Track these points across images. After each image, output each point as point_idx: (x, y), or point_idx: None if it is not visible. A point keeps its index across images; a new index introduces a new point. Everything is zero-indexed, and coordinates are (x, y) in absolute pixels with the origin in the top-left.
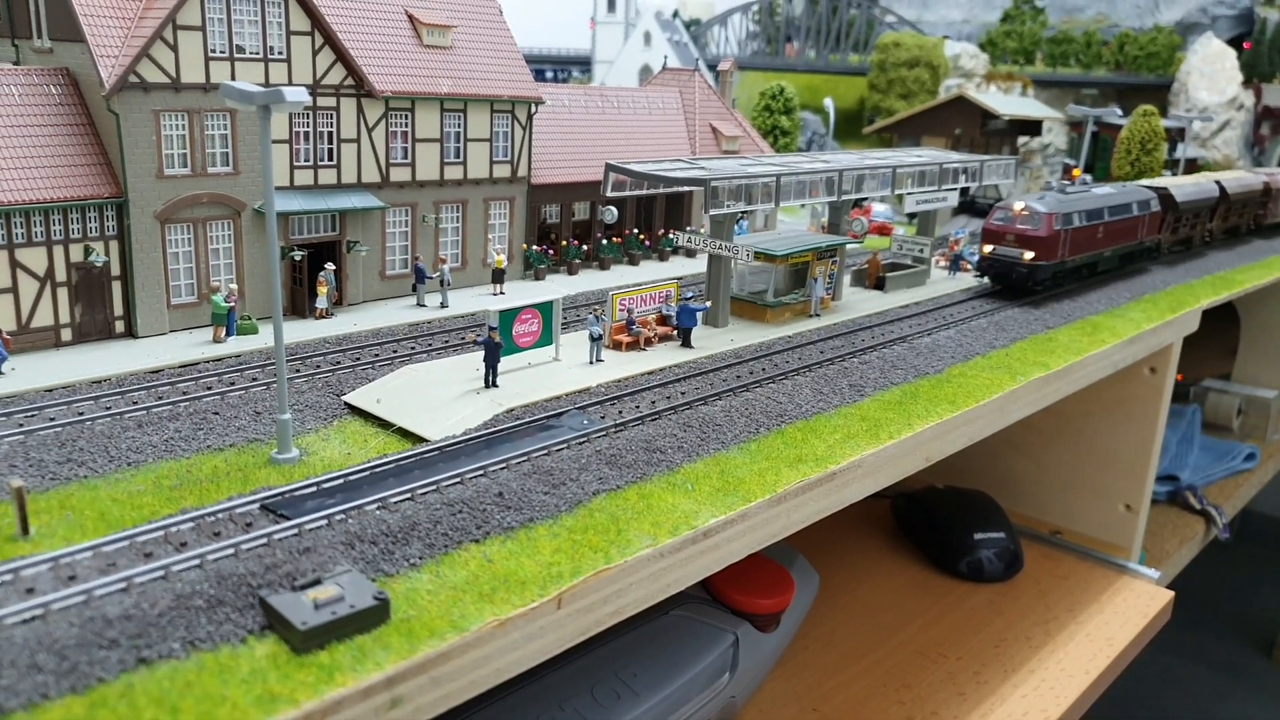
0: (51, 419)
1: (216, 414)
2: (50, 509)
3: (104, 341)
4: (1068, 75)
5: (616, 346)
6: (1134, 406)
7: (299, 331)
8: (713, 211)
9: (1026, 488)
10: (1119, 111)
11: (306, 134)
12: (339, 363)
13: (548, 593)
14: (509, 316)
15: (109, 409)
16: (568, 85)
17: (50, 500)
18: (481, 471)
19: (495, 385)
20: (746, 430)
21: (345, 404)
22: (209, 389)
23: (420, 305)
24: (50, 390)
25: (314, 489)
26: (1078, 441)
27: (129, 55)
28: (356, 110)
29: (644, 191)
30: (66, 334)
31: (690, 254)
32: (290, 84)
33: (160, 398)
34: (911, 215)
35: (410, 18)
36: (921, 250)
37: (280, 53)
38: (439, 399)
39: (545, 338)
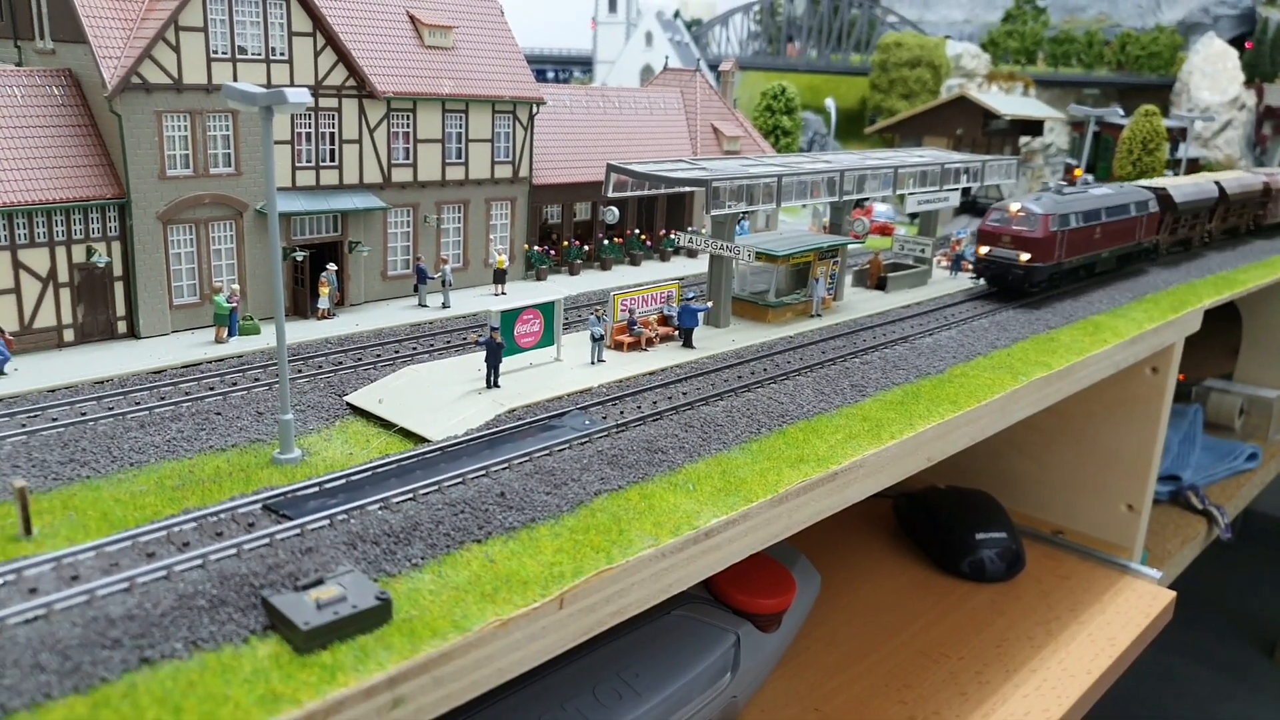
0: (54, 419)
1: (219, 414)
2: (53, 509)
3: (106, 342)
4: (1069, 75)
5: (618, 347)
6: (1136, 406)
7: (301, 332)
8: (714, 212)
9: (1028, 487)
10: (1120, 111)
11: (308, 135)
12: (341, 363)
13: (550, 593)
14: (511, 317)
15: (111, 409)
16: (569, 86)
17: (53, 500)
18: (483, 471)
19: (497, 385)
20: (748, 430)
21: (347, 404)
22: (211, 389)
23: (422, 306)
24: (53, 390)
25: (316, 489)
26: (1080, 441)
27: (131, 56)
28: (358, 111)
29: (645, 192)
30: (69, 334)
31: (692, 254)
32: (292, 85)
33: (162, 398)
34: (913, 215)
35: (412, 19)
36: (923, 250)
37: (282, 54)
38: (441, 399)
39: (547, 338)
